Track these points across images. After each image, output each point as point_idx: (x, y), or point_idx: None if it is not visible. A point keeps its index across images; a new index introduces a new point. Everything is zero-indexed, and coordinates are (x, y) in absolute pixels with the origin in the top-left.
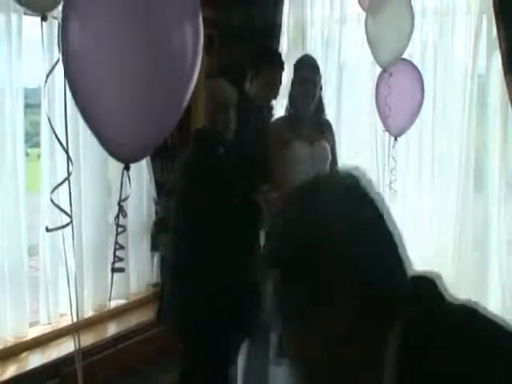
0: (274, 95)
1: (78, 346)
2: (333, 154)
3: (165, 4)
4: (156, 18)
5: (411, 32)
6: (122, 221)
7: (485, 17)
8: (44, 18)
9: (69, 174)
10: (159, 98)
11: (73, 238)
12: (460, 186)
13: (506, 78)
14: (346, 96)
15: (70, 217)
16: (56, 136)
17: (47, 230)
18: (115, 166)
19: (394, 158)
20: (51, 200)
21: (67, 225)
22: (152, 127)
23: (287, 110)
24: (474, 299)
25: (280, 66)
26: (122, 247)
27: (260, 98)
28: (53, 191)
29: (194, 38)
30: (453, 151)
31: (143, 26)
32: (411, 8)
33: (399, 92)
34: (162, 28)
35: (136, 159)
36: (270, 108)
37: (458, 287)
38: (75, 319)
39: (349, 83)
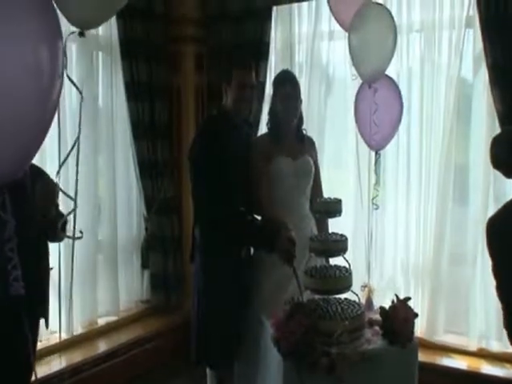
0: (250, 99)
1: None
2: (315, 169)
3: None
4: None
5: (394, 47)
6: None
7: (471, 31)
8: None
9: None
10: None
11: (59, 255)
12: (444, 200)
13: (492, 92)
14: (331, 110)
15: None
16: None
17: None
18: (104, 184)
19: (377, 173)
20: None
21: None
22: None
23: (269, 125)
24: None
25: (249, 66)
26: (12, 258)
27: (236, 104)
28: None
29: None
30: (438, 165)
31: None
32: (394, 23)
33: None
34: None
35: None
36: (250, 125)
37: (438, 299)
38: (64, 336)
39: (335, 98)
